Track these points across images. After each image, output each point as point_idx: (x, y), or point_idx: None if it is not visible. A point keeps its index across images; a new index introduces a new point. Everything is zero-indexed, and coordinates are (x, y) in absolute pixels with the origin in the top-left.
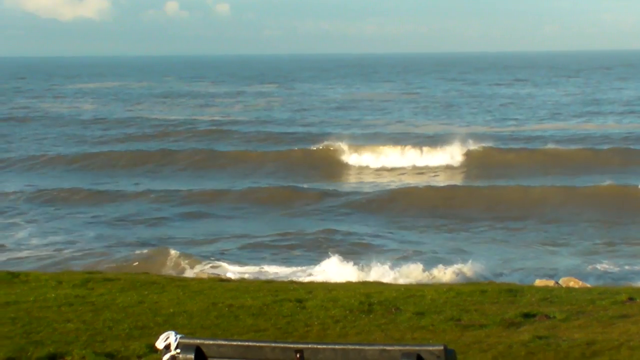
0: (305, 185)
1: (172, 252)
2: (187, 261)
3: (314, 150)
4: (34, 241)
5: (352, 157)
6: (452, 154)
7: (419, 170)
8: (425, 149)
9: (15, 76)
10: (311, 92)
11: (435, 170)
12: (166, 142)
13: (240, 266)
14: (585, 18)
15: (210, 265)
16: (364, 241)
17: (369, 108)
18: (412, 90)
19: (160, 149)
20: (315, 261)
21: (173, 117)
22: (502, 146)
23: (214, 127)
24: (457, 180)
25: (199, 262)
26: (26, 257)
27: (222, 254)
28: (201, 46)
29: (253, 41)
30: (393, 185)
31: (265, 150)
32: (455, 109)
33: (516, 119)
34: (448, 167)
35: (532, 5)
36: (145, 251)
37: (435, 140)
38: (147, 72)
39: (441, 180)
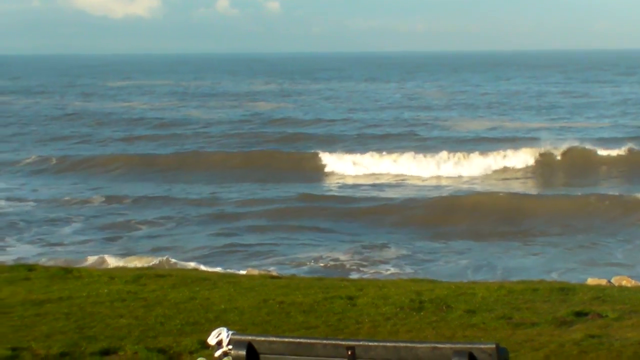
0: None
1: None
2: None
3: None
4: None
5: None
6: (522, 159)
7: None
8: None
9: (69, 74)
10: (365, 90)
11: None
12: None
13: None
14: (636, 14)
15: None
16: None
17: (419, 107)
18: (461, 88)
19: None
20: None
21: (218, 117)
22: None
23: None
24: (527, 188)
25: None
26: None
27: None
28: (251, 44)
29: (303, 38)
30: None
31: (316, 151)
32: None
33: (578, 119)
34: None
35: (583, 1)
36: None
37: (493, 143)
38: (198, 69)
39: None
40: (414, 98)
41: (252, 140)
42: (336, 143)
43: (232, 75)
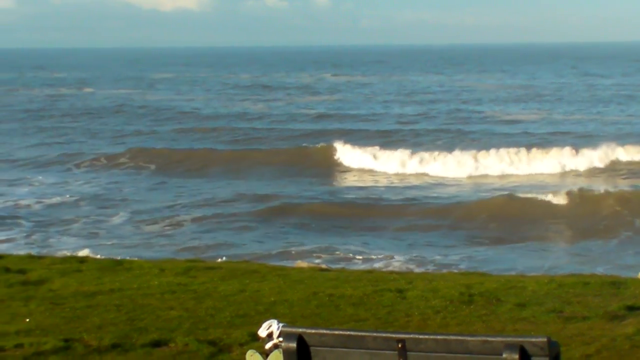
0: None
1: None
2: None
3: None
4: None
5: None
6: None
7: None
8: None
9: (119, 66)
10: (415, 81)
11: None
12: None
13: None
14: None
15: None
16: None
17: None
18: (512, 81)
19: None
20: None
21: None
22: None
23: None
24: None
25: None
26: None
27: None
28: (299, 37)
29: (351, 31)
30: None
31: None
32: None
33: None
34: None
35: None
36: None
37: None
38: (247, 62)
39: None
40: (465, 90)
41: (301, 135)
42: (387, 137)
43: (281, 67)
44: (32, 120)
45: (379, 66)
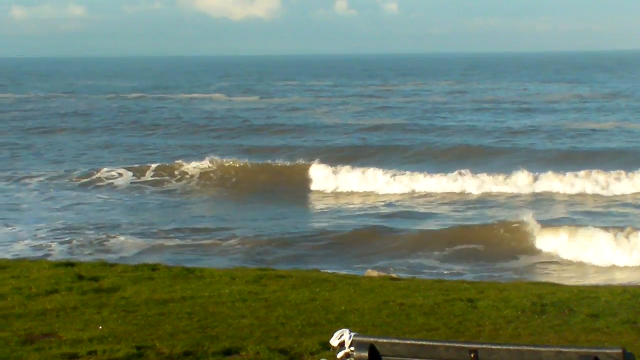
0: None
1: None
2: None
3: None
4: None
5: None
6: None
7: None
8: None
9: (189, 74)
10: (489, 90)
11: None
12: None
13: None
14: None
15: None
16: None
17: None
18: (588, 90)
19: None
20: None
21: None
22: None
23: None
24: None
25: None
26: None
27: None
28: (369, 45)
29: (421, 39)
30: None
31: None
32: None
33: None
34: None
35: None
36: None
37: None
38: (319, 71)
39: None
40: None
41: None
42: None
43: (358, 76)
44: (140, 130)
45: (450, 74)
